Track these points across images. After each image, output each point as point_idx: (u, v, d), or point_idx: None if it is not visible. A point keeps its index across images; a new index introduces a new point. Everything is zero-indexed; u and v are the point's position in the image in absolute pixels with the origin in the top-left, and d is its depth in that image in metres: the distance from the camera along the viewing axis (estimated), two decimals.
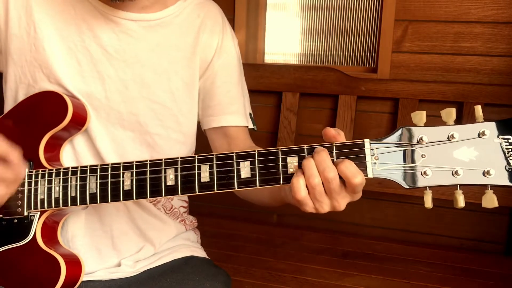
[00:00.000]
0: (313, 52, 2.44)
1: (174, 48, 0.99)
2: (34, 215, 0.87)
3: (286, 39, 2.47)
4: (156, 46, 0.97)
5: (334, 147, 0.71)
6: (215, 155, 0.76)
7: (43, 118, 0.90)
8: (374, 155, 0.70)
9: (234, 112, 1.05)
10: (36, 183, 0.87)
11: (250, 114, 1.10)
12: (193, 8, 1.03)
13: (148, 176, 0.80)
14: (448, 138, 0.67)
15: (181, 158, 0.78)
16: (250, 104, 1.13)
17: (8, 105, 0.97)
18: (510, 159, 0.65)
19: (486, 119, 0.66)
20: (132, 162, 0.81)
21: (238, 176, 0.75)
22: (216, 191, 0.76)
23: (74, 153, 0.96)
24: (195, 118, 1.05)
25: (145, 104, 0.96)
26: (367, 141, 0.71)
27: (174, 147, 1.01)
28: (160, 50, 0.97)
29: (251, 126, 1.09)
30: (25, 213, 0.87)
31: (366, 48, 2.34)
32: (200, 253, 1.13)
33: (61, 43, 0.93)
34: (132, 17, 0.95)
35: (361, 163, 0.70)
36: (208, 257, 1.14)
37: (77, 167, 0.85)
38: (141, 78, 0.96)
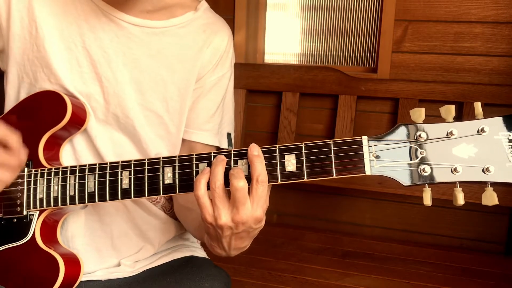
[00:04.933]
0: (313, 52, 2.44)
1: (174, 58, 0.98)
2: (33, 214, 0.87)
3: (286, 39, 2.47)
4: (157, 53, 0.97)
5: (332, 144, 0.71)
6: (212, 154, 0.76)
7: (43, 117, 0.90)
8: (372, 152, 0.70)
9: (207, 130, 1.05)
10: (35, 182, 0.87)
11: (228, 134, 1.10)
12: (202, 23, 1.03)
13: (146, 174, 0.80)
14: (447, 135, 0.67)
15: (179, 156, 0.78)
16: (232, 125, 1.12)
17: (10, 104, 0.96)
18: (511, 156, 0.65)
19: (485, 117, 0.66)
20: (131, 161, 0.81)
21: None
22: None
23: (74, 153, 0.96)
24: (183, 129, 1.05)
25: (138, 109, 0.96)
26: (365, 138, 0.70)
27: (163, 154, 1.01)
28: (160, 58, 0.97)
29: (225, 146, 1.08)
30: (24, 212, 0.87)
31: (366, 48, 2.34)
32: (200, 253, 1.13)
33: (62, 43, 0.92)
34: (136, 22, 0.94)
35: (359, 160, 0.70)
36: (208, 257, 1.14)
37: (75, 166, 0.85)
38: (137, 84, 0.95)
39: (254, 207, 0.72)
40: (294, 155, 0.72)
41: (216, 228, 0.75)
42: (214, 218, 0.73)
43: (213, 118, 1.05)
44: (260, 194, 0.72)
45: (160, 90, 0.97)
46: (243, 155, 0.75)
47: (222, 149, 1.05)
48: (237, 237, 0.76)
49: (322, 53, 2.42)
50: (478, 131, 0.66)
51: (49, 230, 0.90)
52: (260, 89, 2.23)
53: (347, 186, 2.10)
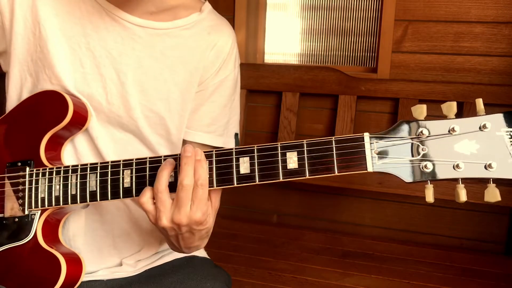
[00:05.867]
0: (313, 52, 2.44)
1: (178, 60, 0.98)
2: (35, 214, 0.87)
3: (286, 39, 2.48)
4: (160, 55, 0.96)
5: (333, 141, 0.71)
6: (214, 152, 0.77)
7: (44, 117, 0.90)
8: (374, 149, 0.70)
9: (211, 132, 1.05)
10: (36, 182, 0.87)
11: (236, 134, 1.10)
12: (207, 25, 1.02)
13: (147, 173, 0.80)
14: (449, 131, 0.67)
15: (180, 155, 0.78)
16: (238, 124, 1.12)
17: (11, 105, 0.96)
18: None
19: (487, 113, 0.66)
20: (132, 159, 0.81)
21: (238, 172, 0.75)
22: (215, 188, 0.77)
23: (75, 152, 0.96)
24: (184, 130, 1.05)
25: (141, 110, 0.96)
26: (366, 135, 0.70)
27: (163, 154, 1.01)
28: (163, 59, 0.97)
29: (232, 146, 1.08)
30: (26, 212, 0.87)
31: (366, 48, 2.35)
32: (201, 253, 1.13)
33: (65, 44, 0.92)
34: (140, 23, 0.94)
35: (361, 157, 0.70)
36: (208, 257, 1.14)
37: (77, 165, 0.85)
38: (140, 84, 0.95)
39: (193, 210, 0.75)
40: (296, 152, 0.72)
41: (161, 230, 0.80)
42: (156, 220, 0.77)
43: (216, 120, 1.05)
44: (200, 197, 0.75)
45: (163, 91, 0.97)
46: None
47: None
48: (183, 237, 0.81)
49: (322, 53, 2.42)
50: (480, 128, 0.66)
51: (51, 229, 0.90)
52: (260, 89, 2.23)
53: (347, 186, 2.10)
